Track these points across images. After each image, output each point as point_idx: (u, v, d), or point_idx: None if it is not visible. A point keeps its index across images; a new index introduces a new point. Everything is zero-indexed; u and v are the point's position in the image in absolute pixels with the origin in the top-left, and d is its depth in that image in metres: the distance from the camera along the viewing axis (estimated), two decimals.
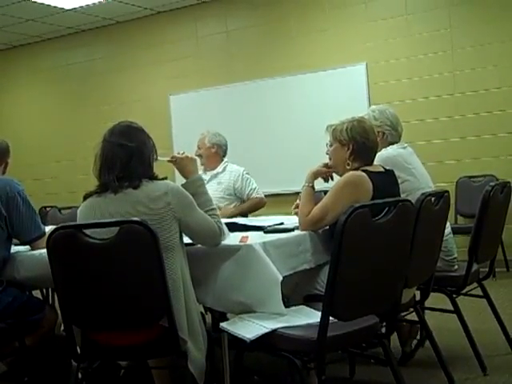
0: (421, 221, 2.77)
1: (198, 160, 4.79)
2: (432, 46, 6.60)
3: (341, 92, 6.88)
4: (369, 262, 2.41)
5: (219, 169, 4.92)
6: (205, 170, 4.94)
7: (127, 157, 2.53)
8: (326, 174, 3.24)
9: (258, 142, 7.30)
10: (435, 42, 6.59)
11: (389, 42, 6.79)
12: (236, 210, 4.75)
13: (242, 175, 4.88)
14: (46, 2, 7.16)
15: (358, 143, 3.03)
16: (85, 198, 2.62)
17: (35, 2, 7.12)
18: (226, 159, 5.00)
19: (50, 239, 2.39)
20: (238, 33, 7.55)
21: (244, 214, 4.75)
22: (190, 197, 2.59)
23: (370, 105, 6.18)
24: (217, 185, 4.85)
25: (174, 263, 2.47)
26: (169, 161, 2.83)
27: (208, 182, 4.77)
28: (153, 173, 2.61)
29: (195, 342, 2.45)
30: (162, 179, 2.59)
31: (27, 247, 3.15)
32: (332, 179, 3.25)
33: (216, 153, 4.94)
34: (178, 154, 2.86)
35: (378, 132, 3.59)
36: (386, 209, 2.45)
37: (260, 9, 7.41)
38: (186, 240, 2.65)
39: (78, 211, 2.64)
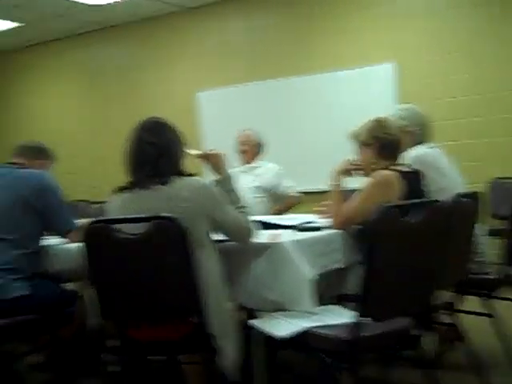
0: (452, 221, 2.73)
1: (236, 156, 5.01)
2: (460, 44, 6.53)
3: (368, 91, 6.82)
4: (400, 263, 2.39)
5: (256, 163, 5.10)
6: (243, 163, 5.11)
7: (156, 154, 2.54)
8: (351, 170, 3.22)
9: (285, 139, 7.27)
10: (463, 41, 6.51)
11: (417, 41, 6.71)
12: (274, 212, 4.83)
13: (278, 172, 5.07)
14: None
15: (380, 140, 3.04)
16: (114, 193, 2.63)
17: (67, 0, 7.17)
18: (262, 157, 5.18)
19: (84, 233, 2.41)
20: (264, 30, 7.53)
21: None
22: (220, 193, 2.59)
23: (397, 104, 6.13)
24: (252, 177, 5.00)
25: (204, 259, 2.47)
26: (199, 156, 2.82)
27: (243, 174, 4.97)
28: (182, 169, 2.61)
29: (227, 339, 2.45)
30: (192, 175, 2.59)
31: (60, 240, 3.19)
32: (355, 175, 3.22)
33: (258, 151, 5.15)
34: (208, 150, 2.86)
35: (406, 131, 3.57)
36: (417, 208, 2.42)
37: (287, 6, 7.37)
38: (218, 237, 2.65)
39: (108, 206, 2.65)
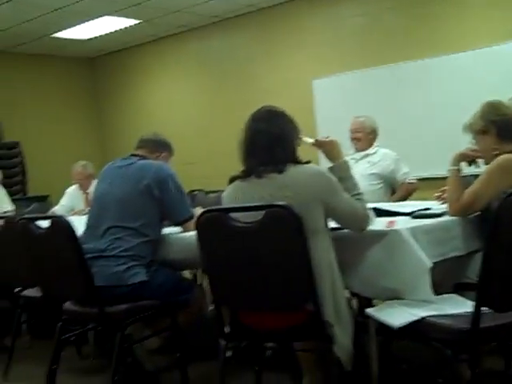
0: None
1: (349, 143, 4.94)
2: None
3: (491, 73, 6.51)
4: None
5: (371, 150, 5.00)
6: (356, 151, 5.03)
7: (269, 142, 2.54)
8: (471, 157, 3.09)
9: (402, 125, 7.11)
10: None
11: None
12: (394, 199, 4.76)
13: (395, 158, 4.95)
14: None
15: (496, 123, 2.89)
16: (230, 181, 2.67)
17: None
18: (377, 143, 5.07)
19: (198, 222, 2.46)
20: (379, 14, 7.36)
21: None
22: (336, 180, 2.56)
23: None
24: (367, 164, 4.91)
25: (319, 247, 2.45)
26: (313, 144, 2.81)
27: (358, 161, 4.89)
28: (296, 157, 2.60)
29: (342, 327, 2.43)
30: (306, 163, 2.58)
31: (178, 229, 3.28)
32: (475, 163, 3.08)
33: (373, 138, 5.04)
34: (323, 138, 2.84)
35: None
36: None
37: None
38: (333, 224, 2.63)
39: (224, 195, 2.69)
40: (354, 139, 5.02)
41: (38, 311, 4.05)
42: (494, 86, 6.15)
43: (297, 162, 2.57)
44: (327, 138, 2.81)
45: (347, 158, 2.84)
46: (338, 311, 2.44)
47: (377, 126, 5.08)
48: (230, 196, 2.65)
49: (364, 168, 4.81)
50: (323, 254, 2.47)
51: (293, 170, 2.50)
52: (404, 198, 4.80)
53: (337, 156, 2.74)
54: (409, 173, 4.94)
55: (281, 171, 2.50)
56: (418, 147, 6.98)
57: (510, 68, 6.38)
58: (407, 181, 4.91)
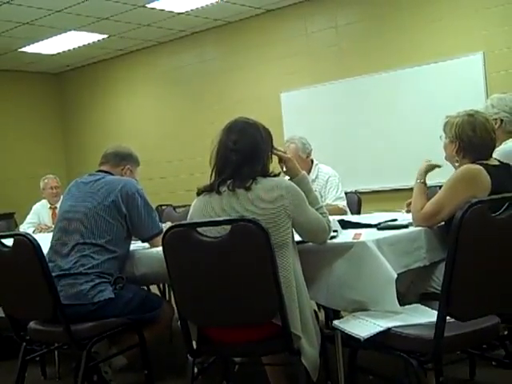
0: None
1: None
2: None
3: (456, 84, 6.62)
4: (488, 260, 2.30)
5: (312, 176, 4.51)
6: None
7: (238, 161, 2.54)
8: (434, 166, 3.12)
9: (372, 137, 7.19)
10: None
11: (506, 29, 6.47)
12: None
13: (327, 180, 4.54)
14: (161, 8, 7.37)
15: (463, 141, 2.92)
16: (198, 194, 2.65)
17: (153, 9, 7.35)
18: (315, 161, 4.66)
19: (164, 237, 2.45)
20: (348, 27, 7.46)
21: None
22: (303, 194, 2.57)
23: (487, 96, 5.92)
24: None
25: (286, 260, 2.46)
26: (280, 161, 2.79)
27: None
28: (266, 170, 2.59)
29: (308, 339, 2.44)
30: (276, 175, 2.57)
31: (146, 245, 3.26)
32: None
33: (308, 161, 4.57)
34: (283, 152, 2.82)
35: (496, 119, 3.44)
36: (507, 204, 2.33)
37: (371, 2, 7.27)
38: (298, 237, 2.64)
39: (192, 206, 2.67)
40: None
41: (1, 331, 3.96)
42: (463, 95, 6.25)
43: (266, 174, 2.56)
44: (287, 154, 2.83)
45: None
46: (304, 323, 2.45)
47: (310, 148, 4.59)
48: (198, 209, 2.62)
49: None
50: (289, 267, 2.47)
51: (260, 185, 2.49)
52: None
53: (299, 170, 2.76)
54: (338, 197, 4.49)
55: (249, 188, 2.49)
56: (389, 158, 7.05)
57: (475, 79, 6.49)
58: (330, 204, 4.34)
